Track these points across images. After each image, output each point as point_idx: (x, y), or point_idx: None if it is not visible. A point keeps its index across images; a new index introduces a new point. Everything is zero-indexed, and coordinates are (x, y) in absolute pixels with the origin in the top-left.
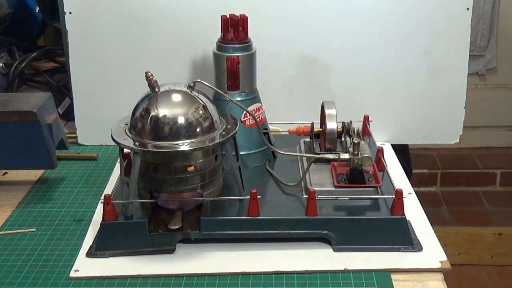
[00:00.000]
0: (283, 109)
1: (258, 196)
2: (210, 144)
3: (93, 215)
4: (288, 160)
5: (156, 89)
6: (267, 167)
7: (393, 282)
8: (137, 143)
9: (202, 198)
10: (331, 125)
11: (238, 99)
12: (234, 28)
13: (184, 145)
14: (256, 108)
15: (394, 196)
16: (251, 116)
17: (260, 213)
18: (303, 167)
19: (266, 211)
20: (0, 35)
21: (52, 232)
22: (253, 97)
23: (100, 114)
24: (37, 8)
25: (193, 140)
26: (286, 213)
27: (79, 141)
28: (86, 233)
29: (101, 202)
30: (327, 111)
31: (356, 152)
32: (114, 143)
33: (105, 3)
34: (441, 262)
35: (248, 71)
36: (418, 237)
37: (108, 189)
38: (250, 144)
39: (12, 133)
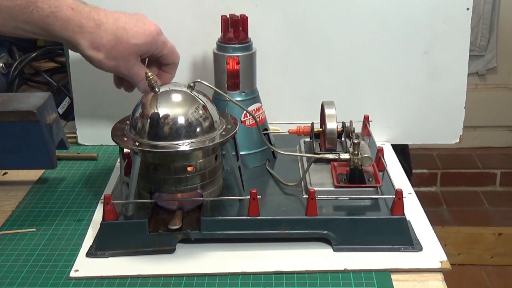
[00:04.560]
0: (283, 109)
1: (258, 196)
2: (210, 144)
3: (93, 215)
4: (288, 160)
5: (156, 89)
6: (267, 167)
7: (393, 282)
8: (137, 143)
9: (202, 198)
10: (331, 125)
11: (238, 99)
12: (234, 28)
13: (184, 145)
14: (256, 108)
15: (394, 196)
16: (251, 116)
17: (260, 213)
18: (303, 167)
19: (266, 211)
20: (0, 35)
21: (52, 232)
22: (253, 97)
23: (100, 114)
24: None
25: (193, 140)
26: (286, 213)
27: (79, 141)
28: (86, 233)
29: (101, 202)
30: (327, 111)
31: (356, 152)
32: (114, 143)
33: (105, 4)
34: (441, 262)
35: (248, 71)
36: (418, 237)
37: (108, 189)
38: (250, 144)
39: (12, 133)
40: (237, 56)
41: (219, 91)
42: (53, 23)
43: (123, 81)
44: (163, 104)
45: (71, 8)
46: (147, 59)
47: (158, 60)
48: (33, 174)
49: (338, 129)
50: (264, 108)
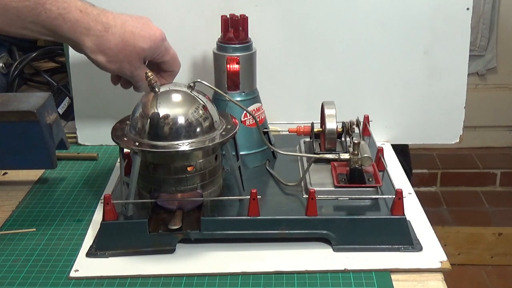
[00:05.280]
0: (283, 109)
1: (258, 196)
2: (210, 144)
3: (93, 215)
4: (288, 160)
5: (156, 89)
6: (267, 167)
7: (393, 282)
8: (137, 143)
9: (202, 198)
10: (331, 125)
11: (238, 99)
12: (234, 28)
13: (184, 145)
14: (256, 108)
15: (394, 196)
16: (251, 116)
17: (260, 213)
18: (303, 167)
19: (266, 211)
20: (0, 35)
21: (52, 232)
22: (253, 97)
23: (100, 114)
24: None
25: (193, 140)
26: (286, 213)
27: (79, 141)
28: (86, 233)
29: (101, 202)
30: (327, 111)
31: (356, 152)
32: (114, 143)
33: (105, 4)
34: (441, 262)
35: (248, 71)
36: (418, 237)
37: (108, 189)
38: (250, 144)
39: (12, 133)
40: (237, 56)
41: (219, 91)
42: (61, 25)
43: (120, 78)
44: (163, 104)
45: (80, 10)
46: (146, 62)
47: (159, 66)
48: (33, 174)
49: (338, 129)
50: (264, 108)
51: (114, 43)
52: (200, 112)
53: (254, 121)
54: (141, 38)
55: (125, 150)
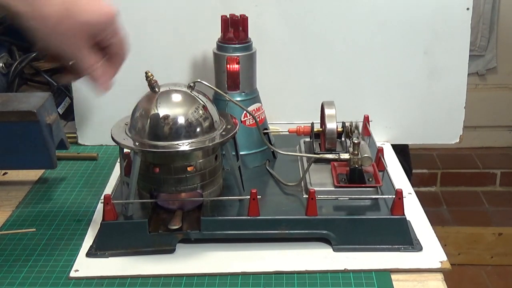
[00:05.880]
0: (283, 109)
1: (258, 196)
2: (210, 144)
3: (93, 215)
4: (288, 160)
5: (156, 89)
6: (267, 167)
7: (393, 282)
8: (137, 143)
9: (202, 198)
10: (331, 125)
11: (238, 99)
12: (234, 28)
13: (184, 145)
14: (256, 108)
15: (394, 196)
16: (251, 116)
17: (260, 213)
18: (303, 167)
19: (266, 211)
20: (0, 35)
21: (52, 232)
22: (253, 97)
23: (100, 114)
24: None
25: (193, 140)
26: (286, 213)
27: (79, 141)
28: (86, 233)
29: (101, 202)
30: (327, 111)
31: (356, 152)
32: (114, 143)
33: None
34: (441, 262)
35: (248, 71)
36: (418, 237)
37: (108, 189)
38: (250, 144)
39: (12, 133)
40: (237, 56)
41: (219, 91)
42: None
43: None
44: (163, 104)
45: None
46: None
47: (105, 49)
48: (33, 174)
49: (338, 129)
50: (264, 108)
51: (53, 10)
52: (200, 112)
53: (254, 121)
54: (87, 11)
55: (125, 150)
